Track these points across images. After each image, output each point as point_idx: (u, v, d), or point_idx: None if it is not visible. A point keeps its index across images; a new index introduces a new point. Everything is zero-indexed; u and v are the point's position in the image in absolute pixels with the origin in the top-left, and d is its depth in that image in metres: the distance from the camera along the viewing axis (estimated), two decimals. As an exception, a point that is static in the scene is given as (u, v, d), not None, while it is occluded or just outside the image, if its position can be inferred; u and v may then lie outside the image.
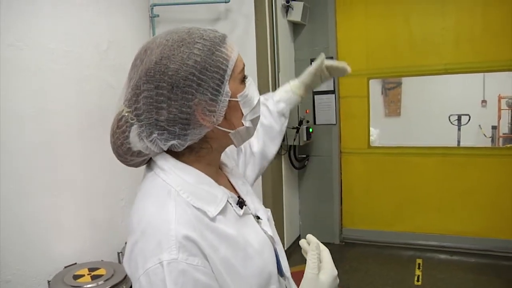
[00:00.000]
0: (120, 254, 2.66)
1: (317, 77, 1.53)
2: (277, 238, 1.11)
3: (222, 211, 0.93)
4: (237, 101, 0.94)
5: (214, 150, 0.99)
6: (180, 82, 0.87)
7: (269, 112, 1.45)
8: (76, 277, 2.34)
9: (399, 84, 8.50)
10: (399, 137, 6.88)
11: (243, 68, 0.97)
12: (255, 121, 1.00)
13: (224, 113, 0.92)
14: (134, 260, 0.84)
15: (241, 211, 0.99)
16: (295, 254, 4.49)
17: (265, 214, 1.11)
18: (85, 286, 2.24)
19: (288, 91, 1.51)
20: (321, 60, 1.51)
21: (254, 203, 1.10)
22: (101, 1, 2.64)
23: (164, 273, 0.79)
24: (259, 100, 1.00)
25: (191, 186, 0.92)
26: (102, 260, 2.57)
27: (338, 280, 0.98)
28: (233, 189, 1.09)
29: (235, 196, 1.02)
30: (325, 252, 0.99)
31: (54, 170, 2.44)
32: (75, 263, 2.52)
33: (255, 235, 1.00)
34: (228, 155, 1.20)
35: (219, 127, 0.93)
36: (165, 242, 0.82)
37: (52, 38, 2.38)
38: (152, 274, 0.80)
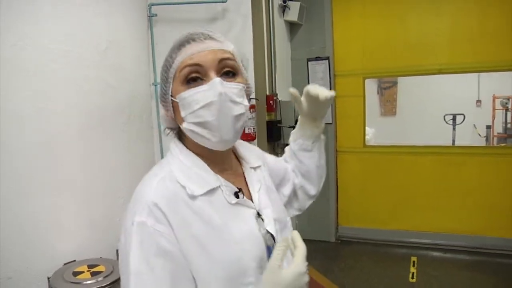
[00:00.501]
0: (119, 251, 2.70)
1: (310, 104, 1.37)
2: (280, 237, 1.13)
3: (209, 194, 1.02)
4: (177, 102, 1.01)
5: (196, 145, 1.06)
6: None
7: (290, 154, 1.48)
8: (76, 273, 2.36)
9: (394, 84, 8.56)
10: (394, 136, 6.93)
11: (189, 70, 0.99)
12: (202, 126, 1.00)
13: (171, 109, 1.05)
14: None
15: (233, 200, 1.05)
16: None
17: (275, 215, 1.14)
18: (84, 283, 2.26)
19: (298, 128, 1.46)
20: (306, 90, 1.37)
21: (263, 203, 1.13)
22: (100, 1, 2.66)
23: (132, 233, 0.92)
24: (209, 104, 0.98)
25: (186, 168, 1.04)
26: (101, 257, 2.59)
27: (306, 278, 0.95)
28: (244, 182, 1.15)
29: (233, 187, 1.08)
30: (299, 249, 0.97)
31: (54, 169, 2.46)
32: (74, 260, 2.55)
33: (241, 226, 1.04)
34: (258, 155, 1.29)
35: (178, 123, 1.06)
36: (139, 206, 0.95)
37: (52, 38, 2.40)
38: (126, 232, 0.94)
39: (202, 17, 3.72)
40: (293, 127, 4.07)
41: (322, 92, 1.32)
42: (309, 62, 4.78)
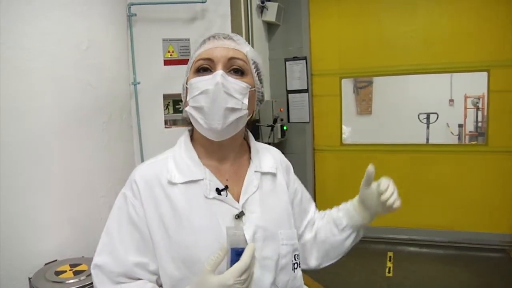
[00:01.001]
0: (101, 250, 2.70)
1: (369, 194, 1.36)
2: (261, 246, 1.15)
3: (189, 185, 1.13)
4: (187, 87, 1.16)
5: (199, 133, 1.16)
6: None
7: (326, 215, 1.53)
8: (58, 273, 2.35)
9: (370, 83, 8.69)
10: (370, 134, 7.04)
11: (202, 62, 1.14)
12: (198, 111, 1.11)
13: (185, 96, 1.19)
14: None
15: (211, 195, 1.13)
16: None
17: (262, 223, 1.16)
18: (67, 282, 2.26)
19: (350, 204, 1.47)
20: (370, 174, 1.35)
21: (252, 207, 1.17)
22: (80, 1, 2.66)
23: (117, 200, 1.20)
24: (206, 91, 1.09)
25: (180, 158, 1.18)
26: (83, 257, 2.59)
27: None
28: (241, 182, 1.20)
29: (218, 183, 1.15)
30: (239, 262, 1.00)
31: (34, 169, 2.45)
32: (56, 260, 2.54)
33: (206, 219, 1.10)
34: (277, 163, 1.34)
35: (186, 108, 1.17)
36: (128, 180, 1.19)
37: (30, 37, 2.40)
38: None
39: (182, 17, 3.74)
40: (271, 126, 4.15)
41: (394, 201, 1.31)
42: (286, 62, 4.85)
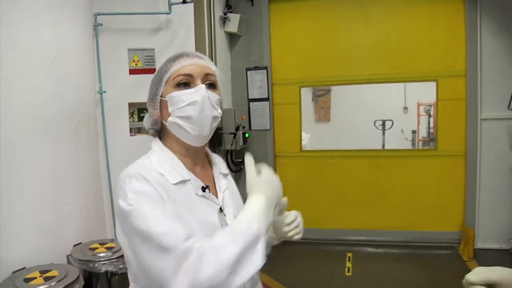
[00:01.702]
0: (70, 256, 2.73)
1: (278, 222, 1.50)
2: None
3: (181, 185, 1.25)
4: (166, 100, 1.27)
5: (177, 139, 1.30)
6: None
7: None
8: (28, 280, 2.32)
9: (328, 92, 8.93)
10: (329, 141, 7.27)
11: (182, 77, 1.26)
12: (186, 120, 1.25)
13: (159, 107, 1.29)
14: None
15: (200, 192, 1.28)
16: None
17: (236, 213, 1.31)
18: None
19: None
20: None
21: (226, 202, 1.36)
22: (49, 11, 2.71)
23: (127, 188, 1.18)
24: (194, 103, 1.24)
25: (164, 162, 1.27)
26: (52, 263, 2.60)
27: (276, 177, 1.26)
28: (213, 182, 1.38)
29: (201, 182, 1.31)
30: (265, 166, 1.25)
31: (3, 175, 2.48)
32: (24, 268, 2.53)
33: (196, 211, 1.24)
34: (225, 167, 1.51)
35: (162, 119, 1.30)
36: (128, 179, 1.19)
37: (1, 48, 2.45)
38: (121, 200, 1.19)
39: (147, 27, 3.84)
40: (233, 134, 4.27)
41: (294, 234, 1.54)
42: (248, 72, 5.01)
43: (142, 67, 3.75)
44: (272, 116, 5.10)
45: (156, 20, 3.83)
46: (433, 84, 4.81)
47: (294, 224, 1.50)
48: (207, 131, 1.28)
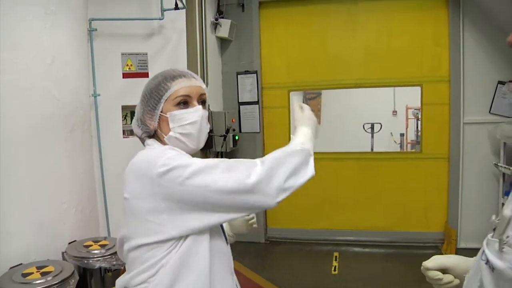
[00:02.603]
0: (65, 253, 2.83)
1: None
2: None
3: None
4: (167, 116, 1.41)
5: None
6: (142, 97, 1.46)
7: None
8: (25, 275, 2.41)
9: (319, 95, 9.06)
10: (319, 143, 7.37)
11: (182, 97, 1.42)
12: (186, 136, 1.42)
13: (158, 120, 1.43)
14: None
15: None
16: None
17: None
18: (35, 282, 2.36)
19: None
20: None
21: None
22: (46, 17, 2.82)
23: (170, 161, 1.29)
24: (194, 122, 1.42)
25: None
26: (48, 259, 2.70)
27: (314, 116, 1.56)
28: None
29: None
30: (305, 105, 1.57)
31: (4, 175, 2.59)
32: (21, 264, 2.63)
33: None
34: None
35: (159, 130, 1.44)
36: (161, 154, 1.33)
37: (2, 50, 2.56)
38: (164, 169, 1.28)
39: (140, 32, 3.95)
40: (223, 136, 4.40)
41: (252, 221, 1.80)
42: (238, 76, 5.15)
43: (135, 71, 3.86)
44: (262, 119, 5.23)
45: (149, 26, 3.94)
46: (419, 88, 4.97)
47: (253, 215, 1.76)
48: (202, 145, 1.49)
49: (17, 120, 2.68)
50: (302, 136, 1.49)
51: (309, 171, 1.42)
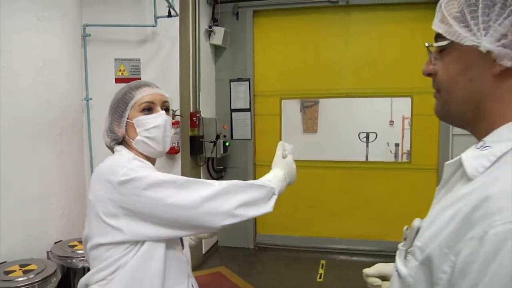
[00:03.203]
0: (50, 253, 2.91)
1: None
2: None
3: None
4: (133, 122, 1.52)
5: (139, 152, 1.56)
6: (110, 107, 1.57)
7: None
8: (8, 272, 2.50)
9: (316, 103, 9.11)
10: (315, 151, 7.44)
11: (146, 104, 1.53)
12: (152, 139, 1.53)
13: (125, 127, 1.53)
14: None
15: None
16: (211, 259, 4.91)
17: None
18: (17, 279, 2.44)
19: None
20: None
21: None
22: (38, 23, 2.91)
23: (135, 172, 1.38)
24: (158, 126, 1.53)
25: (140, 161, 1.52)
26: (32, 258, 2.78)
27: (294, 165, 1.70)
28: None
29: None
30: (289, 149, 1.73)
31: (-12, 175, 2.67)
32: (5, 262, 2.71)
33: None
34: None
35: (127, 136, 1.54)
36: (123, 163, 1.41)
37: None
38: (127, 179, 1.37)
39: (133, 39, 4.04)
40: (213, 142, 4.46)
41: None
42: (231, 83, 5.23)
43: (128, 76, 3.95)
44: (254, 126, 5.30)
45: (143, 32, 4.03)
46: (409, 99, 5.04)
47: None
48: (167, 148, 1.60)
49: (6, 122, 2.76)
50: (272, 176, 1.59)
51: (267, 207, 1.49)
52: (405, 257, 0.88)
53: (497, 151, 0.73)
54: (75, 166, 3.41)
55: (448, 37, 0.80)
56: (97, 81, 3.81)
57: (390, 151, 8.46)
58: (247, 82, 5.17)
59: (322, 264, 4.81)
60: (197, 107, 4.62)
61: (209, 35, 4.96)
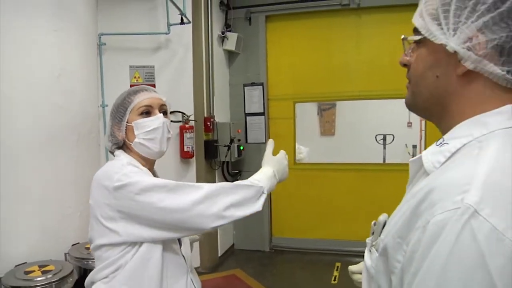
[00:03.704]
0: (67, 254, 3.02)
1: None
2: None
3: None
4: (132, 125, 1.59)
5: (138, 154, 1.63)
6: (111, 112, 1.66)
7: None
8: (27, 272, 2.65)
9: (333, 106, 9.09)
10: (333, 154, 7.45)
11: (145, 107, 1.60)
12: (150, 142, 1.60)
13: (125, 130, 1.60)
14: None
15: None
16: (227, 262, 4.97)
17: None
18: (36, 279, 2.58)
19: None
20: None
21: None
22: (56, 34, 3.04)
23: (129, 177, 1.46)
24: (156, 128, 1.60)
25: (135, 164, 1.59)
26: (51, 259, 2.90)
27: (286, 160, 1.74)
28: None
29: None
30: (282, 152, 1.75)
31: (10, 181, 2.80)
32: (26, 262, 2.84)
33: None
34: None
35: (127, 139, 1.61)
36: (118, 169, 1.49)
37: (14, 66, 2.79)
38: (120, 184, 1.45)
39: (147, 46, 4.14)
40: (227, 146, 4.53)
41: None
42: (245, 87, 5.30)
43: (143, 83, 4.05)
44: (268, 129, 5.35)
45: (156, 40, 4.13)
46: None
47: None
48: (165, 149, 1.66)
49: (26, 130, 2.89)
50: (262, 174, 1.60)
51: (256, 206, 1.52)
52: (370, 250, 0.93)
53: (452, 147, 0.77)
54: (91, 171, 3.49)
55: (422, 32, 0.84)
56: (112, 88, 3.90)
57: (408, 153, 8.41)
58: (261, 87, 5.23)
59: (337, 266, 4.82)
60: (211, 111, 4.70)
61: (222, 41, 5.04)
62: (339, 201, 5.29)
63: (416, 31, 0.87)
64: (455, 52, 0.77)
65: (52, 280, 2.60)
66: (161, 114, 1.62)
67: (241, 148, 4.98)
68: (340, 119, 9.03)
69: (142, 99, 1.61)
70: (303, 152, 6.23)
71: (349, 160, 5.69)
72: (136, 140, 1.60)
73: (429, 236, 0.65)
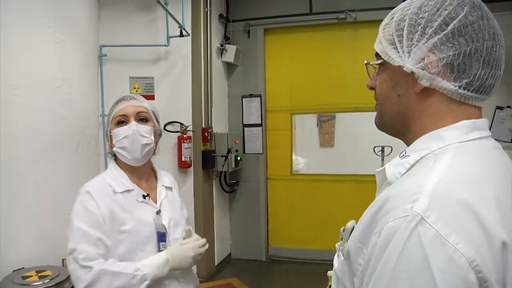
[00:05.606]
0: (64, 260, 3.07)
1: None
2: (172, 231, 1.76)
3: (126, 193, 1.69)
4: (111, 135, 1.72)
5: (124, 163, 1.74)
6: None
7: None
8: (25, 277, 2.67)
9: (333, 117, 9.14)
10: (332, 165, 7.47)
11: (120, 117, 1.70)
12: (123, 149, 1.69)
13: (109, 139, 1.74)
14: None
15: (140, 199, 1.70)
16: (224, 271, 5.00)
17: (171, 216, 1.77)
18: (33, 284, 2.62)
19: None
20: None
21: (163, 207, 1.78)
22: (57, 46, 3.11)
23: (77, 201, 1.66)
24: (127, 136, 1.68)
25: (115, 177, 1.72)
26: (48, 265, 2.94)
27: (190, 253, 1.69)
28: (155, 191, 1.80)
29: (142, 192, 1.72)
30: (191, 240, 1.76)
31: (9, 188, 2.86)
32: (23, 268, 2.88)
33: (140, 215, 1.67)
34: (172, 182, 1.93)
35: (113, 149, 1.73)
36: (79, 196, 1.66)
37: (16, 75, 2.87)
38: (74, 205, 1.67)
39: (147, 58, 4.23)
40: (225, 156, 4.59)
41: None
42: (243, 99, 5.37)
43: (142, 94, 4.11)
44: (265, 141, 5.40)
45: (156, 52, 4.21)
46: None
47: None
48: (139, 155, 1.71)
49: (26, 138, 2.96)
50: (150, 260, 1.62)
51: None
52: (338, 255, 0.99)
53: (411, 159, 0.84)
54: (90, 179, 3.55)
55: (382, 56, 0.92)
56: (112, 99, 3.93)
57: (407, 164, 8.42)
58: (259, 98, 5.30)
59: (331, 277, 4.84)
60: (209, 122, 4.76)
61: (221, 53, 5.12)
62: (338, 212, 5.32)
63: (377, 55, 0.95)
64: (412, 72, 0.84)
65: (49, 285, 2.63)
66: (134, 122, 1.69)
67: (239, 158, 5.04)
68: (339, 131, 9.05)
69: (119, 109, 1.71)
70: (301, 163, 6.28)
71: (347, 172, 5.73)
72: (114, 148, 1.71)
73: (382, 241, 0.72)
